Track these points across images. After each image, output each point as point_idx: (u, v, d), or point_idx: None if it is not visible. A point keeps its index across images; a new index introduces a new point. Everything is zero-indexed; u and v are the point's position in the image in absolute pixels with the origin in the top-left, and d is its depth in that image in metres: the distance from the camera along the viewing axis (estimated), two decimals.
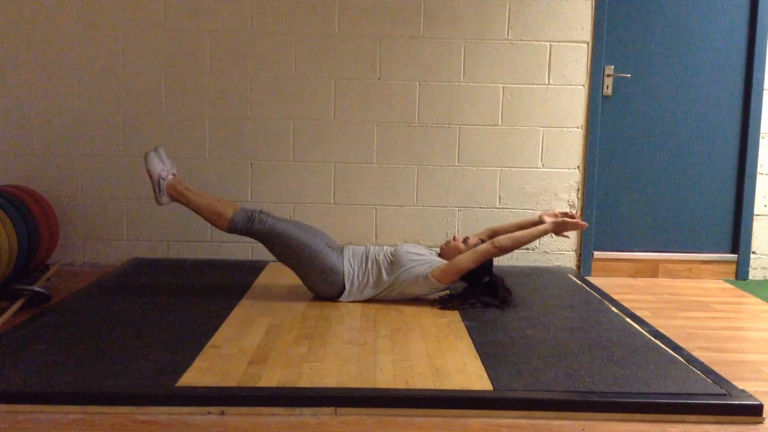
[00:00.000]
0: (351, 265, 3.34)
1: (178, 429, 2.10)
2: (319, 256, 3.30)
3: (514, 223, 3.57)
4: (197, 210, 3.34)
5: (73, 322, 2.96)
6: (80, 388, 2.26)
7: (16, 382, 2.30)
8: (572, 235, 4.31)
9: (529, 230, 3.31)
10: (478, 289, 3.37)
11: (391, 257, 3.36)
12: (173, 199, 3.33)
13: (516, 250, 4.25)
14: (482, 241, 3.37)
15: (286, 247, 3.31)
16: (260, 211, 3.35)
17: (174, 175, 3.34)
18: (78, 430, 2.08)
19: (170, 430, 2.09)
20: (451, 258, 3.33)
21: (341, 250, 3.40)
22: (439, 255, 3.45)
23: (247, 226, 3.30)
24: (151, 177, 3.30)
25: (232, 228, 3.31)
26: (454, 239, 3.44)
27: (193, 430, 2.09)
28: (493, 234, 3.50)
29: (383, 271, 3.33)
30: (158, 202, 3.33)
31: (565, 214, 3.39)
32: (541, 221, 3.39)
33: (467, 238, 3.44)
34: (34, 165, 4.20)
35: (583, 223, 3.36)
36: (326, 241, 3.42)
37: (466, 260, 3.26)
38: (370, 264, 3.35)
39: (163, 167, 3.31)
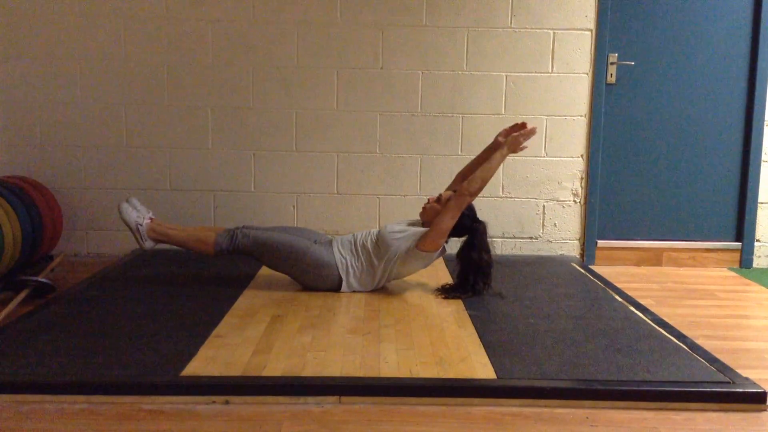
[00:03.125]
0: (342, 256, 3.33)
1: (183, 418, 2.11)
2: (307, 254, 3.29)
3: (477, 158, 3.50)
4: (182, 244, 3.38)
5: (78, 313, 2.97)
6: (85, 378, 2.27)
7: (21, 372, 2.31)
8: (575, 223, 4.31)
9: (489, 163, 3.24)
10: (474, 271, 3.32)
11: (375, 240, 3.33)
12: (156, 241, 3.37)
13: (519, 240, 4.30)
14: (455, 192, 3.31)
15: (274, 253, 3.31)
16: (242, 227, 3.38)
17: (151, 219, 3.38)
18: (83, 419, 2.09)
19: (175, 419, 2.10)
20: (432, 221, 3.29)
21: (330, 243, 3.38)
22: (423, 224, 3.40)
23: (232, 244, 3.32)
24: (128, 227, 3.35)
25: (219, 250, 3.33)
26: (428, 201, 3.38)
27: (198, 419, 2.10)
28: (461, 178, 3.45)
29: (372, 256, 3.31)
30: (142, 248, 3.37)
31: (515, 128, 3.32)
32: (497, 144, 3.32)
33: (440, 195, 3.37)
34: (37, 156, 4.20)
35: (531, 128, 3.26)
36: (313, 237, 3.42)
37: (443, 220, 3.22)
38: (359, 251, 3.34)
39: (138, 214, 3.35)
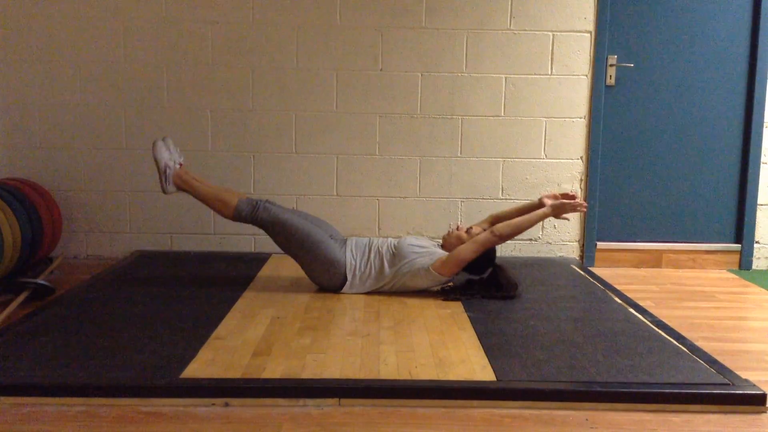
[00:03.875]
0: (353, 257, 3.35)
1: (183, 420, 2.11)
2: (321, 247, 3.30)
3: (516, 208, 3.54)
4: (203, 199, 3.37)
5: (77, 315, 2.97)
6: (85, 380, 2.27)
7: (21, 375, 2.31)
8: (575, 225, 4.32)
9: (528, 216, 3.31)
10: (480, 281, 3.37)
11: (393, 249, 3.36)
12: (179, 188, 3.36)
13: (519, 242, 4.30)
14: (485, 230, 3.36)
15: (289, 237, 3.32)
16: (266, 200, 3.39)
17: (181, 164, 3.37)
18: (83, 422, 2.09)
19: (175, 421, 2.10)
20: (453, 248, 3.32)
21: (344, 242, 3.41)
22: (442, 246, 3.44)
23: (252, 214, 3.33)
24: (157, 165, 3.33)
25: (237, 216, 3.34)
26: (457, 229, 3.43)
27: (197, 422, 2.10)
28: (495, 221, 3.49)
29: (385, 263, 3.33)
30: (164, 191, 3.36)
31: (565, 196, 3.36)
32: (541, 204, 3.37)
33: (470, 228, 3.43)
34: (37, 158, 4.20)
35: (582, 204, 3.32)
36: (330, 232, 3.43)
37: (466, 251, 3.26)
38: (372, 255, 3.36)
39: (170, 156, 3.34)
